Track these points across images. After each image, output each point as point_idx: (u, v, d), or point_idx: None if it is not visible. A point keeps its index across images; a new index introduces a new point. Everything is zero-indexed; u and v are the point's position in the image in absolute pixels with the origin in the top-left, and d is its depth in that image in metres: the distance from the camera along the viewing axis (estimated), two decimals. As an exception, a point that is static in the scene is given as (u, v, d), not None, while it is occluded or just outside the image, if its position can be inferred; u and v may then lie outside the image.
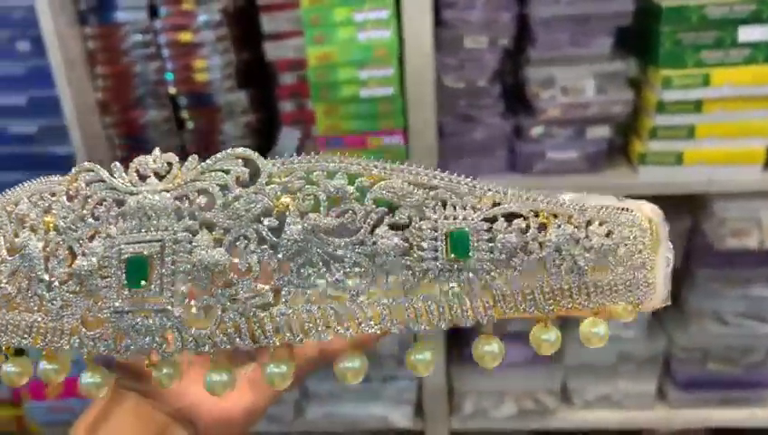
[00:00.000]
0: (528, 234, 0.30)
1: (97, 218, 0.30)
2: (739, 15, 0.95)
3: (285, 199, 0.29)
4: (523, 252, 0.30)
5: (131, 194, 0.30)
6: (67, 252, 0.31)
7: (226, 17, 1.08)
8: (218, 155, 0.30)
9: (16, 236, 0.32)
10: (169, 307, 0.29)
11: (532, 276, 0.31)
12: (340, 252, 0.29)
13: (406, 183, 0.29)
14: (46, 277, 0.31)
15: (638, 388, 1.20)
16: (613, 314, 0.33)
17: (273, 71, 1.12)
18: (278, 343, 0.29)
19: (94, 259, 0.30)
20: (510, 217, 0.30)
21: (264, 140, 1.19)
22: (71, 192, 0.31)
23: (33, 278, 0.31)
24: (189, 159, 0.30)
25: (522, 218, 0.30)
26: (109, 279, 0.30)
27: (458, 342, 1.21)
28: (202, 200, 0.29)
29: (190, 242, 0.29)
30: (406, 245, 0.29)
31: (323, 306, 0.29)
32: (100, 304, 0.30)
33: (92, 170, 0.31)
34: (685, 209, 1.11)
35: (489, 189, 0.30)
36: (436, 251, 0.29)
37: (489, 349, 0.31)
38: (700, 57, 0.97)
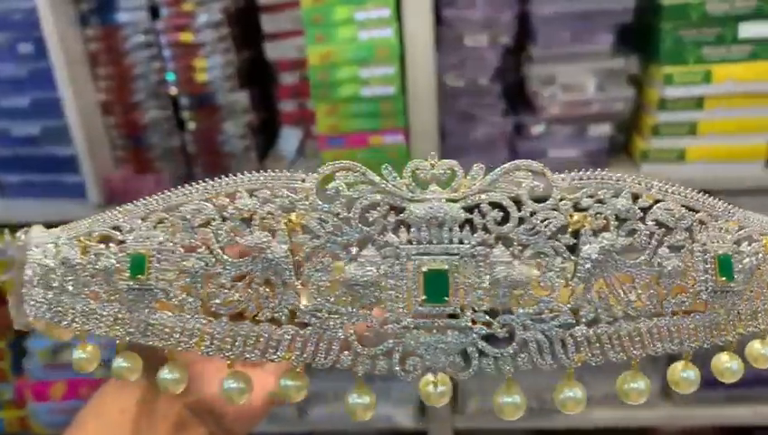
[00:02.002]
0: (760, 255, 0.31)
1: (369, 224, 0.28)
2: (740, 12, 0.94)
3: (579, 217, 0.28)
4: (757, 274, 0.31)
5: (413, 201, 0.28)
6: (330, 258, 0.28)
7: (227, 17, 1.08)
8: (505, 166, 0.28)
9: (237, 234, 0.29)
10: (470, 325, 0.28)
11: (759, 298, 0.31)
12: (630, 272, 0.29)
13: (679, 206, 0.29)
14: (298, 284, 0.29)
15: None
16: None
17: (274, 70, 1.12)
18: (578, 363, 0.29)
19: (373, 269, 0.28)
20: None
21: (265, 140, 1.19)
22: (329, 192, 0.28)
23: (279, 285, 0.29)
24: (474, 167, 0.28)
25: (756, 242, 0.31)
26: (393, 292, 0.28)
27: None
28: (497, 214, 0.28)
29: (487, 257, 0.28)
30: (682, 266, 0.29)
31: (617, 328, 0.29)
32: (383, 317, 0.28)
33: (356, 171, 0.28)
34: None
35: (733, 212, 0.30)
36: (707, 273, 0.29)
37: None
38: (701, 54, 0.97)
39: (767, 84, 0.97)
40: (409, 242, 0.28)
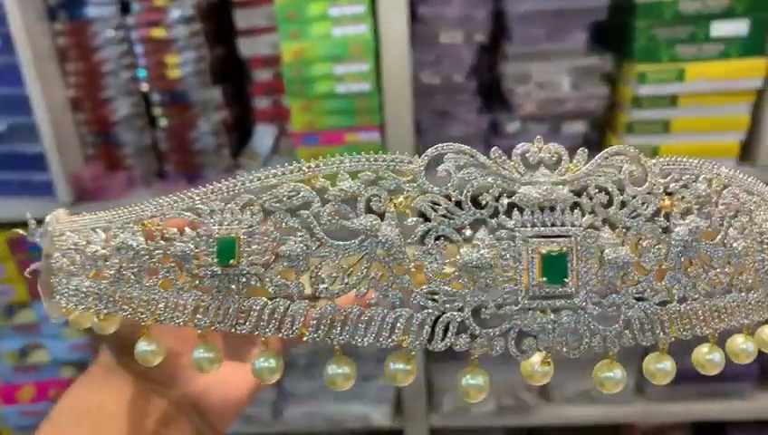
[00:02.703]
0: None
1: (481, 207, 0.28)
2: (712, 11, 0.95)
3: (668, 202, 0.30)
4: None
5: (524, 184, 0.28)
6: (445, 242, 0.28)
7: (199, 13, 1.06)
8: (608, 151, 0.29)
9: (341, 217, 0.28)
10: (584, 305, 0.28)
11: None
12: (708, 253, 0.30)
13: (742, 191, 0.31)
14: (411, 267, 0.28)
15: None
16: None
17: (248, 67, 1.11)
18: (672, 339, 0.30)
19: (488, 251, 0.28)
20: None
21: (239, 138, 1.17)
22: (440, 174, 0.28)
23: (389, 268, 0.28)
24: (579, 152, 0.29)
25: None
26: (509, 273, 0.28)
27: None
28: (603, 197, 0.29)
29: (597, 239, 0.29)
30: (746, 247, 0.31)
31: (701, 304, 0.30)
32: (499, 299, 0.28)
33: (465, 153, 0.28)
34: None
35: None
36: (763, 253, 0.31)
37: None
38: (675, 52, 0.97)
39: (738, 82, 0.98)
40: (523, 225, 0.28)
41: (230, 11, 1.08)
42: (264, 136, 1.14)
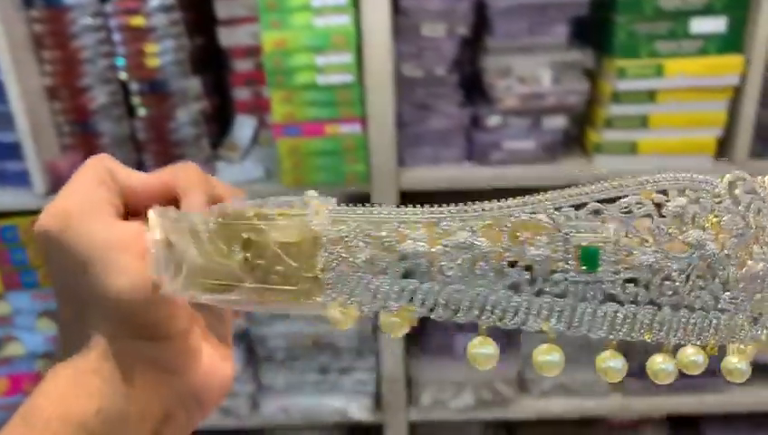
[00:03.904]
0: None
1: (758, 226, 0.32)
2: (692, 7, 0.96)
3: None
4: None
5: None
6: (744, 255, 0.32)
7: (179, 1, 1.05)
8: None
9: (677, 230, 0.31)
10: None
11: None
12: None
13: None
14: (724, 276, 0.32)
15: (594, 376, 1.22)
16: None
17: (228, 57, 1.10)
18: None
19: (763, 265, 0.32)
20: None
21: (219, 128, 1.17)
22: (738, 197, 0.31)
23: (709, 277, 0.32)
24: None
25: None
26: None
27: (415, 333, 1.20)
28: None
29: None
30: None
31: None
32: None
33: (745, 180, 0.31)
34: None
35: None
36: None
37: None
38: (654, 48, 0.98)
39: (716, 79, 0.99)
40: None
41: (211, 0, 1.07)
42: (243, 127, 1.13)
